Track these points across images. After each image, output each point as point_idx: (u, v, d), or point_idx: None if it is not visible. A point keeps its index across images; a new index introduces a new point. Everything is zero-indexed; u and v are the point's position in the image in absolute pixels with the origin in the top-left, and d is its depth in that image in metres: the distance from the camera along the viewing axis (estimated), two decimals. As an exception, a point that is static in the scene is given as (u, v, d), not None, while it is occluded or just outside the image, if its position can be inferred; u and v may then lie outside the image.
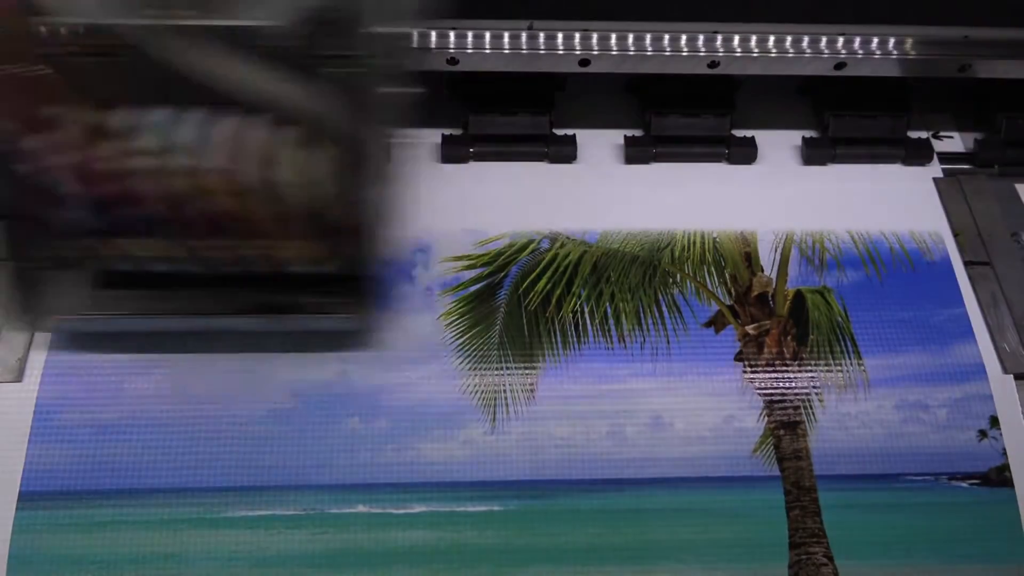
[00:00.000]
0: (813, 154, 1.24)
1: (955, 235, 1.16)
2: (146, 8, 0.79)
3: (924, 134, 1.28)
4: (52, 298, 0.96)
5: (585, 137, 1.24)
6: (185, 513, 0.95)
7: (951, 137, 1.29)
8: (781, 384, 1.04)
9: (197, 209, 0.86)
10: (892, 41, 1.17)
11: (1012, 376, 1.05)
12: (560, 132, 1.24)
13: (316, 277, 0.95)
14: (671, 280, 1.10)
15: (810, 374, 1.04)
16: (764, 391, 1.03)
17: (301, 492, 0.96)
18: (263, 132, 0.84)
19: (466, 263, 1.10)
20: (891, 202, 1.20)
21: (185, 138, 0.84)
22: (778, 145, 1.26)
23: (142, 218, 0.87)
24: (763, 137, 1.25)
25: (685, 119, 1.23)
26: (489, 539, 0.95)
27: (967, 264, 1.14)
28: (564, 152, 1.23)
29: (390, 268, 1.01)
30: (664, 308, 1.07)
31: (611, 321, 1.06)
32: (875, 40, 1.17)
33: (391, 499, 0.96)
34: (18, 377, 1.01)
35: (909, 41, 1.18)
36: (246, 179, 0.84)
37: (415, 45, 1.13)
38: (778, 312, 1.08)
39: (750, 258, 1.12)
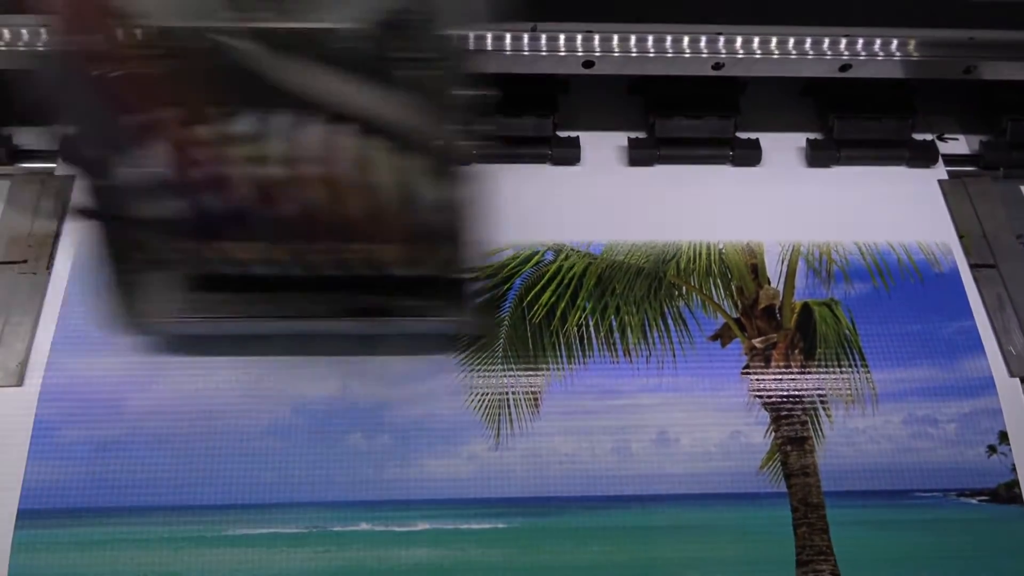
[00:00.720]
0: (817, 156, 1.23)
1: (960, 238, 1.16)
2: (225, 12, 0.79)
3: (929, 136, 1.27)
4: (150, 300, 0.96)
5: (589, 139, 1.23)
6: (185, 531, 0.94)
7: (956, 139, 1.28)
8: (788, 399, 1.03)
9: (298, 210, 0.85)
10: (896, 43, 1.16)
11: (1019, 379, 1.05)
12: (564, 134, 1.23)
13: (413, 281, 0.95)
14: (677, 292, 1.09)
15: (818, 388, 1.04)
16: (771, 406, 1.02)
17: (303, 509, 0.95)
18: (351, 137, 0.83)
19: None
20: (896, 205, 1.19)
21: (279, 139, 0.83)
22: (782, 147, 1.25)
23: (245, 219, 0.86)
24: (767, 139, 1.24)
25: (689, 121, 1.22)
26: (493, 557, 0.94)
27: (973, 267, 1.13)
28: (568, 154, 1.21)
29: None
30: (670, 321, 1.07)
31: (616, 334, 1.05)
32: (879, 42, 1.16)
33: (394, 516, 0.95)
34: (19, 381, 1.00)
35: (913, 43, 1.16)
36: (341, 179, 0.84)
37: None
38: (785, 325, 1.07)
39: (756, 270, 1.11)
